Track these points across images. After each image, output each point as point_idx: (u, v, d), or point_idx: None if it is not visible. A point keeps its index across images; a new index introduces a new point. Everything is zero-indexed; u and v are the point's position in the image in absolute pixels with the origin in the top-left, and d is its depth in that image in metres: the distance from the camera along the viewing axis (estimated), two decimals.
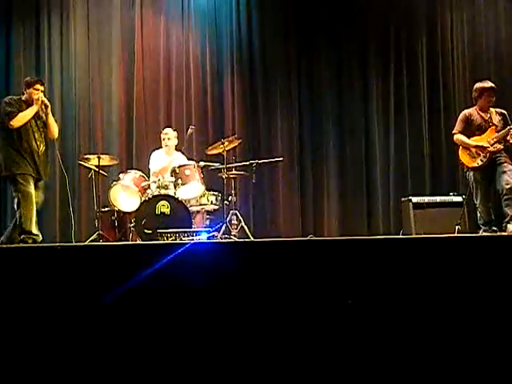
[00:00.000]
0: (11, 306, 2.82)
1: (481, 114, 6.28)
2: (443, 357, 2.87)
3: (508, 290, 2.92)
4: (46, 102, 5.80)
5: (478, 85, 6.37)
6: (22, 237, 5.51)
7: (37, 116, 5.76)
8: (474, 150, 6.17)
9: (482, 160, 6.12)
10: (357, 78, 8.82)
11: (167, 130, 7.34)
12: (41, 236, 5.71)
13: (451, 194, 7.60)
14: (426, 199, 7.49)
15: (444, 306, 2.92)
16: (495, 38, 8.79)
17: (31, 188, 5.60)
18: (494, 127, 6.18)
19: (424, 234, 6.82)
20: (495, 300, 2.92)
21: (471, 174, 6.25)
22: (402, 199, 7.71)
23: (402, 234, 7.49)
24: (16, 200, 5.63)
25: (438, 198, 7.50)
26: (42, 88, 5.85)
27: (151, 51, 8.42)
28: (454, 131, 6.38)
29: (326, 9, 8.76)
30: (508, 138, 6.08)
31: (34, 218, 5.60)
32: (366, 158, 8.73)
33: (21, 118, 5.63)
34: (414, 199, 7.44)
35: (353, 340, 2.88)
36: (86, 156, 6.81)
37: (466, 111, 6.39)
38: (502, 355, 2.85)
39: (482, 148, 6.12)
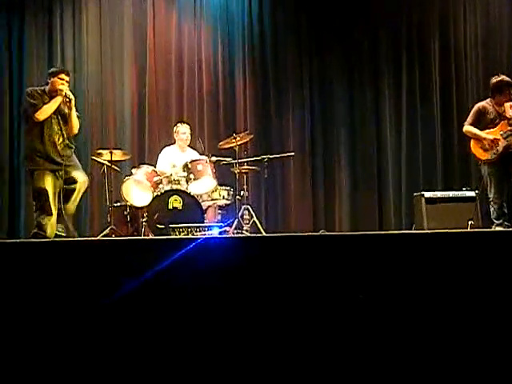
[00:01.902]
0: (23, 300, 2.84)
1: (495, 107, 6.22)
2: (455, 353, 2.86)
3: None
4: (70, 95, 5.56)
5: (496, 79, 6.31)
6: (35, 230, 5.39)
7: (57, 108, 5.54)
8: (485, 142, 6.12)
9: (495, 153, 6.06)
10: (368, 72, 8.79)
11: (182, 127, 7.31)
12: (52, 232, 5.46)
13: (464, 188, 7.55)
14: (439, 194, 7.44)
15: (457, 302, 2.91)
16: (509, 31, 8.70)
17: (48, 184, 5.39)
18: (506, 121, 6.13)
19: (436, 229, 6.78)
20: (510, 295, 2.91)
21: (485, 167, 6.19)
22: (415, 194, 7.67)
23: (414, 230, 7.46)
24: (33, 196, 5.55)
25: (451, 193, 7.45)
26: (67, 78, 5.63)
27: (163, 46, 8.44)
28: (465, 123, 6.33)
29: (337, 3, 8.74)
30: None
31: (54, 213, 5.41)
32: (378, 152, 8.71)
33: (46, 110, 5.43)
34: (427, 194, 7.40)
35: (365, 335, 2.88)
36: (99, 151, 6.83)
37: (480, 104, 6.32)
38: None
39: (493, 140, 6.07)
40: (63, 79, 5.58)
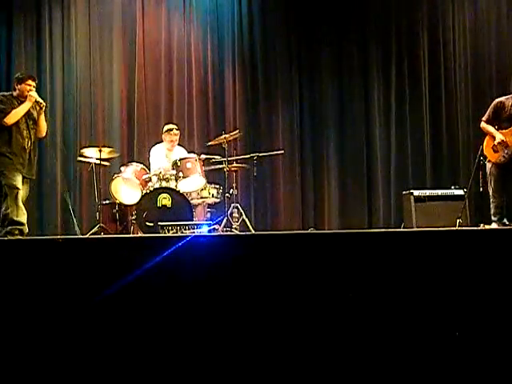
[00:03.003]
0: (11, 300, 2.83)
1: None
2: (444, 352, 2.87)
3: (510, 283, 2.92)
4: (41, 101, 5.71)
5: None
6: (8, 228, 5.43)
7: (27, 113, 5.66)
8: (496, 143, 6.07)
9: (504, 157, 6.04)
10: (358, 71, 8.80)
11: (171, 126, 7.28)
12: (27, 228, 5.61)
13: (452, 187, 7.59)
14: (428, 192, 7.48)
15: (445, 300, 2.92)
16: (497, 30, 8.74)
17: (18, 182, 5.52)
18: None
19: (425, 227, 6.81)
20: (497, 293, 2.92)
21: (489, 165, 6.18)
22: (404, 192, 7.71)
23: (403, 228, 7.49)
24: (3, 192, 5.58)
25: (440, 192, 7.49)
26: (33, 84, 5.76)
27: (152, 44, 8.42)
28: (482, 118, 6.25)
29: (327, 3, 8.75)
30: None
31: (23, 210, 5.53)
32: (367, 151, 8.72)
33: (14, 115, 5.55)
34: (416, 192, 7.43)
35: (354, 333, 2.89)
36: (85, 149, 6.82)
37: (499, 99, 6.22)
38: (503, 351, 2.86)
39: (501, 142, 6.02)
40: (30, 85, 5.70)
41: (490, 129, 6.15)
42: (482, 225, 6.62)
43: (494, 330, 2.89)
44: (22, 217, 5.53)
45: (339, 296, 2.91)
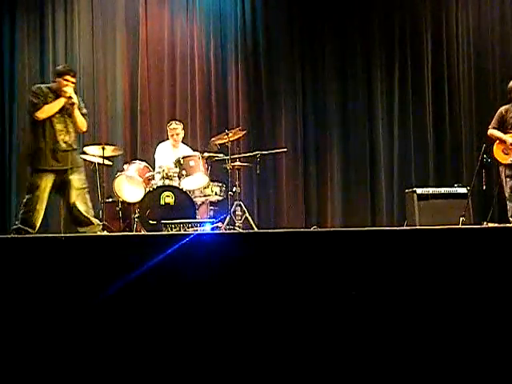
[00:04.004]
0: (13, 298, 2.83)
1: None
2: (446, 352, 2.87)
3: None
4: (74, 98, 5.48)
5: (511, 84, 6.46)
6: (18, 226, 5.39)
7: (63, 108, 5.49)
8: (507, 145, 6.28)
9: None
10: (361, 70, 8.78)
11: (175, 124, 7.31)
12: (36, 228, 5.48)
13: (456, 185, 7.58)
14: (431, 190, 7.46)
15: (448, 298, 2.92)
16: (500, 26, 8.73)
17: (42, 182, 5.39)
18: None
19: (428, 225, 6.80)
20: (501, 291, 2.92)
21: (502, 168, 6.40)
22: (407, 190, 7.70)
23: (406, 226, 7.49)
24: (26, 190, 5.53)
25: (443, 190, 7.47)
26: (72, 79, 5.55)
27: (155, 42, 8.42)
28: (489, 126, 6.50)
29: (331, 1, 8.74)
30: None
31: (40, 213, 5.41)
32: (370, 148, 8.71)
33: (46, 110, 5.40)
34: (419, 190, 7.42)
35: (358, 331, 2.89)
36: (88, 147, 6.82)
37: (503, 108, 6.50)
38: (506, 352, 2.85)
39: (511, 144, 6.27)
40: (68, 80, 5.52)
41: (498, 134, 6.40)
42: (485, 223, 6.62)
43: (497, 327, 2.89)
44: (36, 222, 5.41)
45: (343, 294, 2.91)
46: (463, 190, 7.36)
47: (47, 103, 5.45)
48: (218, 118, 8.51)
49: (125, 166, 6.87)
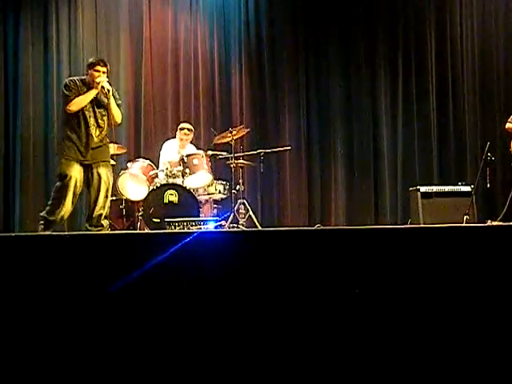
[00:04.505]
0: (18, 296, 2.84)
1: None
2: (450, 351, 2.87)
3: None
4: (107, 86, 5.44)
5: None
6: (42, 215, 5.39)
7: (95, 100, 5.48)
8: None
9: None
10: (365, 67, 8.77)
11: (184, 125, 7.29)
12: (61, 218, 5.41)
13: (460, 183, 7.57)
14: (435, 189, 7.45)
15: (452, 297, 2.91)
16: (505, 25, 8.72)
17: (72, 171, 5.35)
18: None
19: (432, 223, 6.80)
20: (504, 290, 2.91)
21: None
22: (410, 189, 7.69)
23: (410, 224, 7.48)
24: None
25: (447, 188, 7.46)
26: (103, 69, 5.50)
27: (159, 40, 8.42)
28: (508, 120, 6.51)
29: None
30: None
31: (67, 205, 5.34)
32: (374, 147, 8.71)
33: (78, 103, 5.39)
34: (423, 189, 7.41)
35: (361, 329, 2.89)
36: None
37: None
38: (508, 351, 2.85)
39: None
40: (99, 71, 5.48)
41: None
42: (488, 221, 6.60)
43: (500, 324, 2.88)
44: (61, 213, 5.36)
45: (346, 292, 2.91)
46: (467, 189, 7.34)
47: (80, 95, 5.43)
48: (222, 117, 8.51)
49: (128, 164, 6.88)
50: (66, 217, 5.45)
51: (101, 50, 8.20)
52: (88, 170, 5.47)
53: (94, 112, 5.50)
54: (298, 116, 8.67)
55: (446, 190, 7.43)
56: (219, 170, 7.30)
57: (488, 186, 7.00)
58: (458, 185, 7.53)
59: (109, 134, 5.69)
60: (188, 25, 8.51)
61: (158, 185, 6.56)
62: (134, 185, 6.76)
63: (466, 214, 6.75)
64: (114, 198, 6.98)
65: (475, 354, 2.86)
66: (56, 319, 2.82)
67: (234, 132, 6.97)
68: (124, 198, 6.82)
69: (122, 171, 6.82)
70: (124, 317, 2.85)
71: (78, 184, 5.40)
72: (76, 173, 5.38)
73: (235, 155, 6.98)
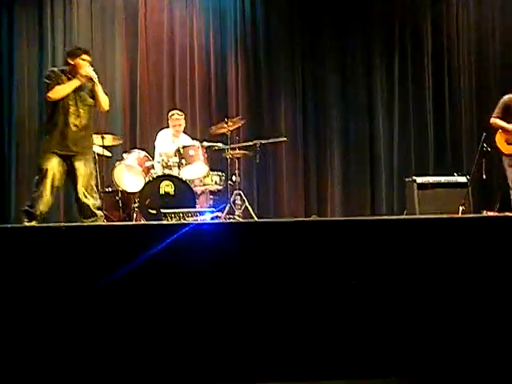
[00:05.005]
0: (15, 287, 2.84)
1: None
2: (447, 342, 2.88)
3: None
4: (94, 74, 5.40)
5: None
6: (25, 208, 5.34)
7: (76, 89, 5.39)
8: (510, 135, 6.24)
9: None
10: (361, 58, 8.76)
11: (177, 115, 7.29)
12: (42, 211, 5.35)
13: (455, 174, 7.57)
14: (431, 179, 7.45)
15: (448, 287, 2.92)
16: (501, 17, 8.70)
17: (49, 164, 5.29)
18: None
19: (428, 214, 6.81)
20: (500, 280, 2.92)
21: (504, 158, 6.35)
22: (406, 179, 7.69)
23: (406, 215, 7.49)
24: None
25: (443, 179, 7.46)
26: (88, 58, 5.47)
27: (155, 30, 8.39)
28: (492, 115, 6.42)
29: None
30: None
31: (45, 198, 5.29)
32: (370, 138, 8.71)
33: (59, 91, 5.31)
34: (419, 179, 7.41)
35: (358, 321, 2.89)
36: None
37: (507, 96, 6.42)
38: (504, 343, 2.87)
39: None
40: (85, 60, 5.44)
41: (502, 123, 6.33)
42: (484, 211, 6.61)
43: (495, 315, 2.89)
44: (40, 206, 5.30)
45: (342, 283, 2.92)
46: (463, 179, 7.34)
47: (59, 84, 5.37)
48: (218, 108, 8.48)
49: (124, 155, 6.85)
50: (45, 210, 5.37)
51: (96, 40, 8.16)
52: (68, 161, 5.40)
53: (76, 101, 5.42)
54: (293, 107, 8.66)
55: (442, 181, 7.43)
56: (215, 161, 7.29)
57: (484, 176, 7.01)
58: (454, 175, 7.53)
59: (92, 124, 5.63)
60: (184, 15, 8.47)
61: (154, 176, 6.55)
62: (130, 176, 6.74)
63: (461, 205, 6.76)
64: (110, 189, 6.97)
65: (473, 349, 2.87)
66: (53, 310, 2.82)
67: (230, 123, 6.95)
68: (120, 189, 6.80)
69: (118, 162, 6.80)
70: (120, 308, 2.85)
71: (57, 176, 5.34)
72: (53, 165, 5.32)
73: (231, 146, 6.97)
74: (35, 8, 8.10)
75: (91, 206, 5.43)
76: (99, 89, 5.48)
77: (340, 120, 8.70)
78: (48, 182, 5.30)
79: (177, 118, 7.23)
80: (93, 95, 5.50)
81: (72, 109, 5.40)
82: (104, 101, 5.54)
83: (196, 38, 8.49)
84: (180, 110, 7.42)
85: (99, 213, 5.51)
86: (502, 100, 6.42)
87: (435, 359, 2.86)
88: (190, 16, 8.49)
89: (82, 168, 5.44)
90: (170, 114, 7.35)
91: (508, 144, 6.26)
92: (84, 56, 5.45)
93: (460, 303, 2.90)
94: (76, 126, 5.41)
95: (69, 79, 5.41)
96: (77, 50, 5.59)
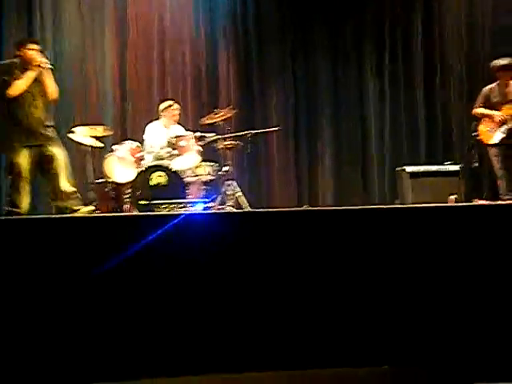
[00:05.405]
0: (7, 278, 2.83)
1: (501, 90, 6.34)
2: (440, 331, 2.89)
3: (505, 257, 2.93)
4: (46, 63, 5.31)
5: (493, 62, 6.42)
6: (8, 208, 5.28)
7: (33, 81, 5.31)
8: (495, 118, 6.20)
9: (503, 133, 6.18)
10: (352, 48, 8.74)
11: (170, 102, 7.26)
12: (26, 208, 5.33)
13: (447, 162, 7.58)
14: (422, 168, 7.46)
15: (440, 275, 2.93)
16: (492, 8, 8.68)
17: (21, 159, 5.24)
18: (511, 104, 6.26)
19: (419, 203, 6.81)
20: (491, 267, 2.94)
21: (492, 149, 6.32)
22: (398, 169, 7.70)
23: (398, 204, 7.50)
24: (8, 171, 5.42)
25: (434, 168, 7.47)
26: (37, 47, 5.36)
27: (145, 21, 8.32)
28: (474, 106, 6.44)
29: None
30: None
31: (23, 193, 5.25)
32: (362, 127, 8.72)
33: (18, 86, 5.22)
34: (410, 169, 7.42)
35: (349, 310, 2.90)
36: (77, 128, 6.73)
37: (488, 87, 6.44)
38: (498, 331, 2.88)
39: (502, 117, 6.18)
40: (34, 49, 5.34)
41: (485, 110, 6.34)
42: (475, 200, 6.62)
43: (488, 303, 2.91)
44: (22, 203, 5.26)
45: (336, 272, 2.92)
46: (455, 168, 7.35)
47: (16, 79, 5.25)
48: (209, 98, 8.45)
49: (114, 147, 6.82)
50: (28, 204, 5.32)
51: (85, 31, 8.10)
52: (38, 152, 5.35)
53: (32, 93, 5.34)
54: (285, 97, 8.64)
55: (434, 170, 7.44)
56: (207, 152, 7.26)
57: (475, 165, 7.02)
58: (445, 164, 7.54)
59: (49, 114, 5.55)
60: (174, 5, 8.42)
61: (146, 167, 6.53)
62: (122, 167, 6.70)
63: (452, 194, 6.77)
64: (101, 180, 6.94)
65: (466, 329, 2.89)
66: (45, 300, 2.81)
67: (222, 113, 6.93)
68: (111, 180, 6.77)
69: (109, 153, 6.77)
70: (113, 299, 2.85)
71: (28, 167, 5.28)
72: (22, 158, 5.26)
73: (223, 136, 6.95)
74: (24, 2, 8.01)
75: (66, 189, 5.37)
76: (47, 78, 5.35)
77: (331, 109, 8.69)
78: (23, 176, 5.25)
79: (176, 108, 7.21)
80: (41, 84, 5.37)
81: (29, 99, 5.32)
82: (52, 89, 5.42)
83: (187, 27, 8.44)
84: (174, 100, 7.38)
85: (77, 196, 5.46)
86: (482, 90, 6.45)
87: (428, 348, 2.87)
88: (181, 5, 8.44)
89: (59, 153, 5.41)
90: (166, 104, 7.26)
91: (490, 133, 6.24)
92: (32, 45, 5.36)
93: (452, 290, 2.91)
94: (37, 117, 5.35)
95: (22, 72, 5.29)
96: (24, 40, 5.52)
